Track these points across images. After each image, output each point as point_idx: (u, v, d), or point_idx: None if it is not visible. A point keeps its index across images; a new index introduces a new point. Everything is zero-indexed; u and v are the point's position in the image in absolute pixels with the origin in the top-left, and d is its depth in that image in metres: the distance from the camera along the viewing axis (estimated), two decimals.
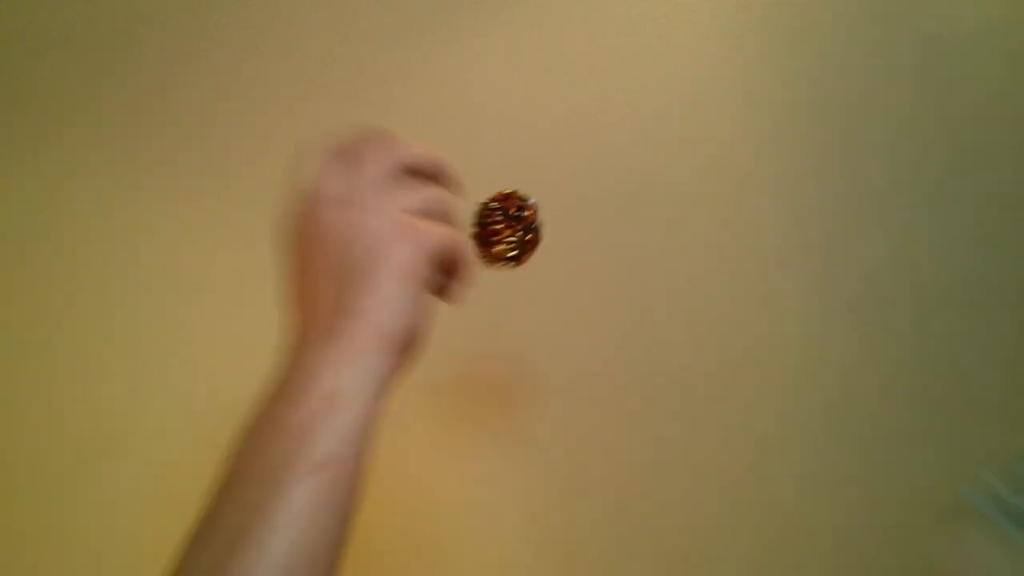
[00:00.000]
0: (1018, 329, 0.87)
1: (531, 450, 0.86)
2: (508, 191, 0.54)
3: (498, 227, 0.54)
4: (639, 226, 0.87)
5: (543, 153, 0.87)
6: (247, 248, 0.86)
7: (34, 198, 0.87)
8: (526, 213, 0.53)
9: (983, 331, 0.86)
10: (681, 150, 0.87)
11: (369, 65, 0.87)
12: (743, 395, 0.87)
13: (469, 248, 0.47)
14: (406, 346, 0.43)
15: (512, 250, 0.54)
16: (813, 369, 0.87)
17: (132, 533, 0.82)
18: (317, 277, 0.44)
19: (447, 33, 0.87)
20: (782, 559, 0.86)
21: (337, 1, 0.88)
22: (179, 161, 0.87)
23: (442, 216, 0.47)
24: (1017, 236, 0.87)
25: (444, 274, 0.47)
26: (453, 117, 0.87)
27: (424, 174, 0.48)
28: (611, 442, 0.86)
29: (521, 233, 0.53)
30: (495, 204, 0.54)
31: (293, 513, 0.37)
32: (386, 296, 0.42)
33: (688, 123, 0.87)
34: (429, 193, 0.46)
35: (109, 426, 0.83)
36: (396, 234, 0.43)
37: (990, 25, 0.87)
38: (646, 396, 0.87)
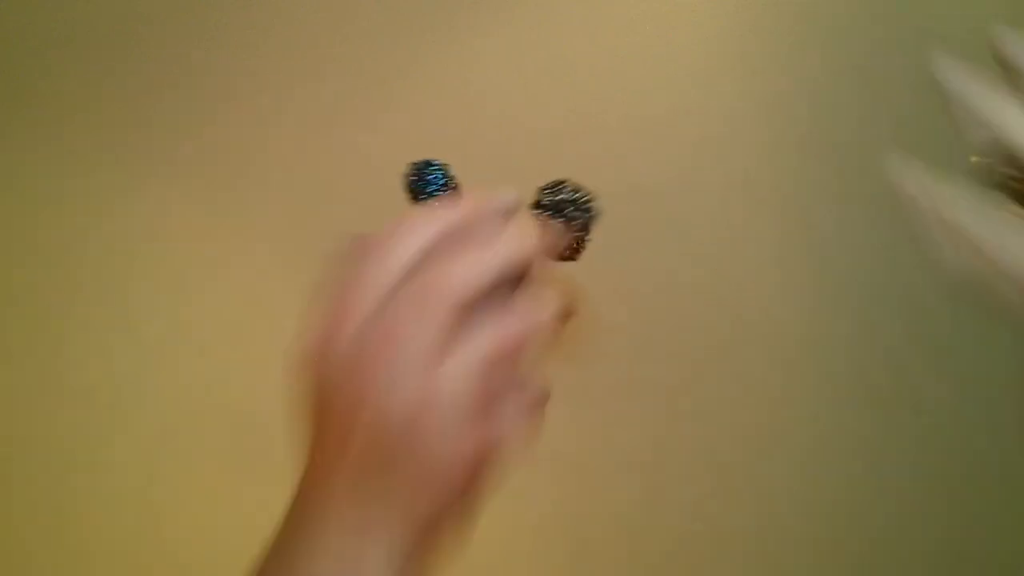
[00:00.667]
0: (1019, 331, 0.86)
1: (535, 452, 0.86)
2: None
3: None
4: (639, 226, 0.87)
5: (543, 153, 0.86)
6: (248, 248, 0.86)
7: (33, 199, 0.87)
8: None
9: (983, 331, 0.86)
10: (681, 150, 0.87)
11: (369, 65, 0.87)
12: (744, 395, 0.87)
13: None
14: (449, 530, 0.34)
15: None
16: (814, 368, 0.87)
17: (131, 533, 0.82)
18: (344, 442, 0.33)
19: (447, 33, 0.87)
20: (783, 559, 0.86)
21: (337, 1, 0.88)
22: (179, 161, 0.87)
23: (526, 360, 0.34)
24: None
25: None
26: (453, 118, 0.87)
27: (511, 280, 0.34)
28: (611, 442, 0.86)
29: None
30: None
31: None
32: (434, 492, 0.32)
33: (688, 123, 0.87)
34: (524, 327, 0.33)
35: (109, 426, 0.83)
36: (462, 422, 0.31)
37: (990, 25, 0.87)
38: (646, 396, 0.87)
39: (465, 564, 0.87)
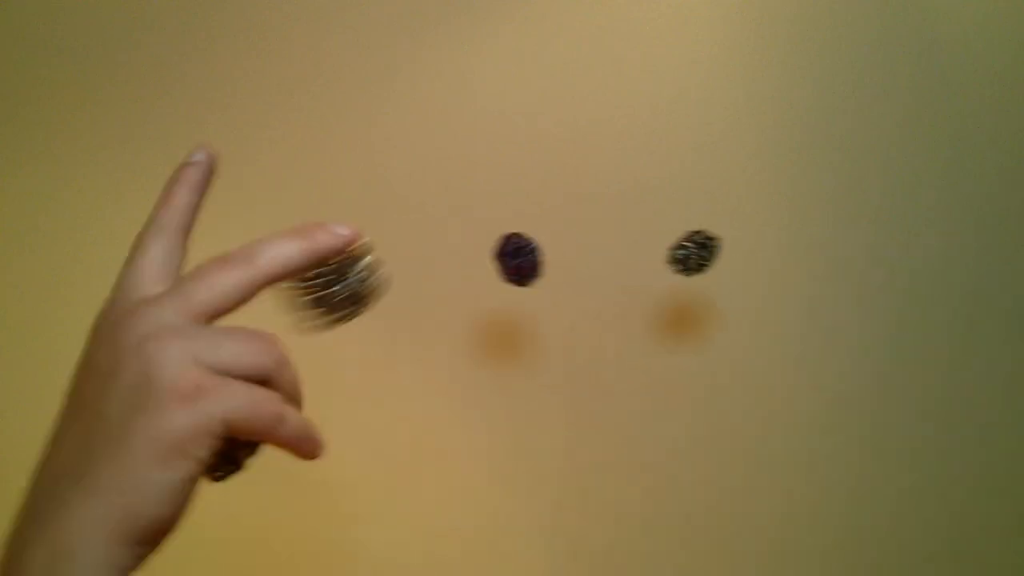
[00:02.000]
0: (1019, 332, 0.86)
1: (531, 451, 0.86)
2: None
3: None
4: (639, 227, 0.87)
5: (543, 154, 0.86)
6: None
7: (33, 200, 0.87)
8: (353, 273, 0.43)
9: (983, 332, 0.86)
10: (681, 151, 0.87)
11: (369, 66, 0.87)
12: (744, 394, 0.87)
13: (270, 417, 0.36)
14: (149, 538, 0.34)
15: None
16: (814, 368, 0.87)
17: None
18: (79, 407, 0.36)
19: (446, 34, 0.87)
20: (783, 559, 0.86)
21: (336, 2, 0.88)
22: (178, 163, 0.87)
23: (269, 375, 0.37)
24: (1018, 235, 0.87)
25: (234, 444, 0.38)
26: (452, 118, 0.87)
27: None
28: (611, 442, 0.86)
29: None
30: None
31: None
32: (138, 479, 0.32)
33: (688, 124, 0.87)
34: (258, 347, 0.36)
35: None
36: (176, 392, 0.33)
37: (990, 24, 0.87)
38: (646, 396, 0.87)
39: (466, 565, 0.87)
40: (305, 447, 0.39)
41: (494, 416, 0.86)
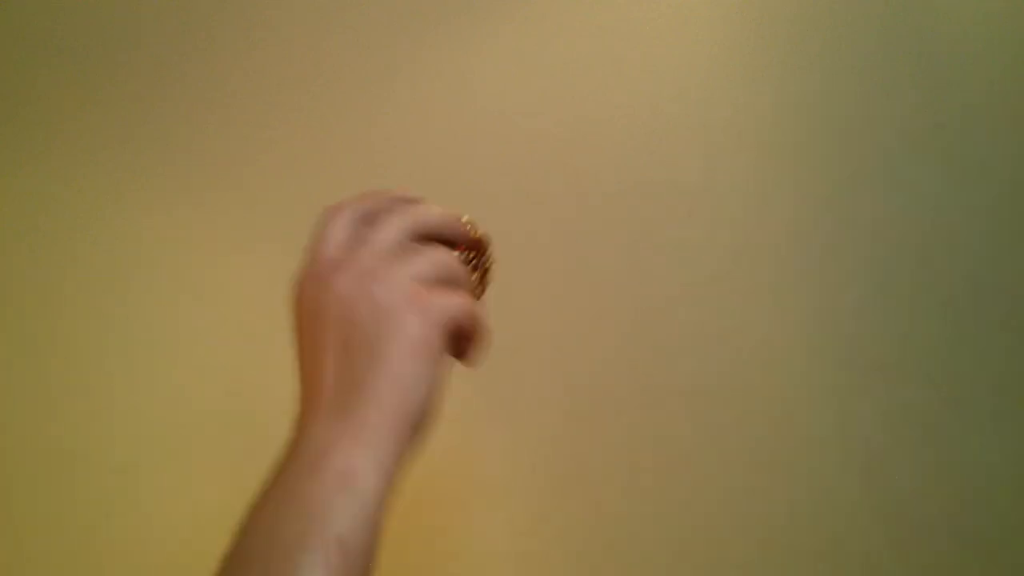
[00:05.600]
0: (1017, 331, 0.86)
1: (533, 454, 0.86)
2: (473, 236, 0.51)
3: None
4: (639, 226, 0.87)
5: (543, 154, 0.86)
6: (247, 248, 0.86)
7: (33, 202, 0.87)
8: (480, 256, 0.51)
9: (984, 333, 0.86)
10: (681, 150, 0.87)
11: (369, 66, 0.87)
12: (744, 394, 0.87)
13: (484, 313, 0.46)
14: (419, 423, 0.41)
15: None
16: (815, 367, 0.87)
17: (130, 533, 0.82)
18: (325, 349, 0.42)
19: (446, 34, 0.87)
20: (784, 561, 0.86)
21: (337, 2, 0.88)
22: (179, 163, 0.87)
23: (457, 283, 0.45)
24: (1018, 233, 0.86)
25: (459, 341, 0.46)
26: (452, 118, 0.87)
27: (443, 239, 0.46)
28: (612, 444, 0.86)
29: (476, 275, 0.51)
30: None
31: None
32: (398, 374, 0.40)
33: (688, 123, 0.87)
34: (441, 258, 0.45)
35: (108, 426, 0.83)
36: (406, 306, 0.41)
37: (990, 24, 0.87)
38: (647, 397, 0.86)
39: (466, 566, 0.87)
40: (487, 338, 0.47)
41: (493, 416, 0.86)
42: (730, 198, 0.87)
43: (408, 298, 0.42)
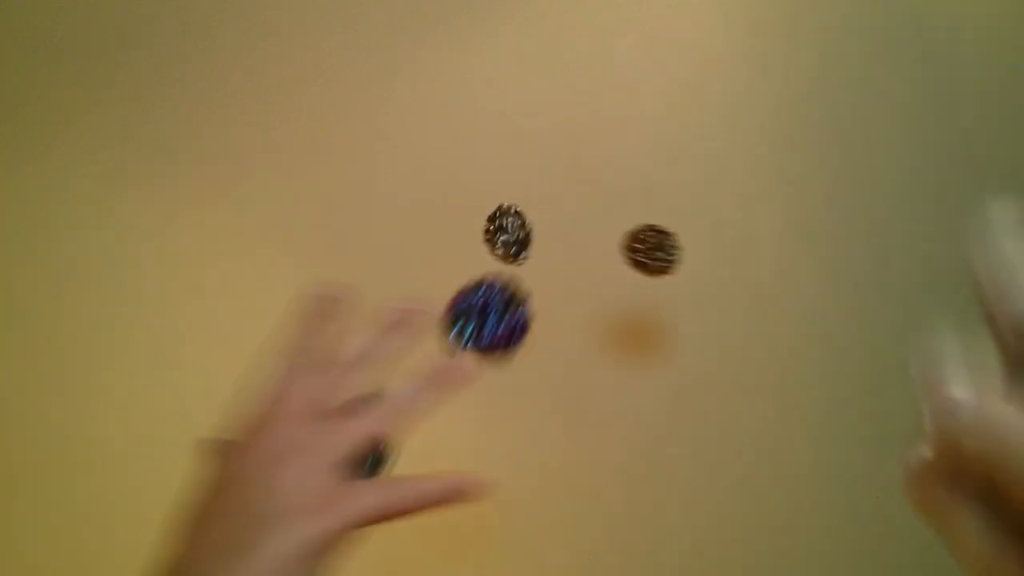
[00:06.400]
0: None
1: (534, 454, 0.86)
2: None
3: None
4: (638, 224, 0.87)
5: (543, 153, 0.87)
6: (248, 248, 0.86)
7: (33, 204, 0.87)
8: None
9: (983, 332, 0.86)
10: (681, 148, 0.87)
11: (369, 66, 0.87)
12: (744, 394, 0.87)
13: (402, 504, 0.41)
14: None
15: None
16: (816, 367, 0.87)
17: (129, 534, 0.81)
18: (211, 517, 0.39)
19: (446, 34, 0.87)
20: (783, 560, 0.86)
21: (337, 2, 0.88)
22: (179, 163, 0.87)
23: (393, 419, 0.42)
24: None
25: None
26: (452, 118, 0.87)
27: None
28: (613, 444, 0.86)
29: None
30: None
31: None
32: (260, 571, 0.36)
33: (687, 122, 0.87)
34: (369, 424, 0.41)
35: (107, 427, 0.83)
36: (304, 506, 0.37)
37: (990, 22, 0.87)
38: (648, 397, 0.87)
39: (465, 563, 0.87)
40: (454, 500, 0.43)
41: (494, 416, 0.86)
42: (730, 197, 0.87)
43: (312, 495, 0.38)
